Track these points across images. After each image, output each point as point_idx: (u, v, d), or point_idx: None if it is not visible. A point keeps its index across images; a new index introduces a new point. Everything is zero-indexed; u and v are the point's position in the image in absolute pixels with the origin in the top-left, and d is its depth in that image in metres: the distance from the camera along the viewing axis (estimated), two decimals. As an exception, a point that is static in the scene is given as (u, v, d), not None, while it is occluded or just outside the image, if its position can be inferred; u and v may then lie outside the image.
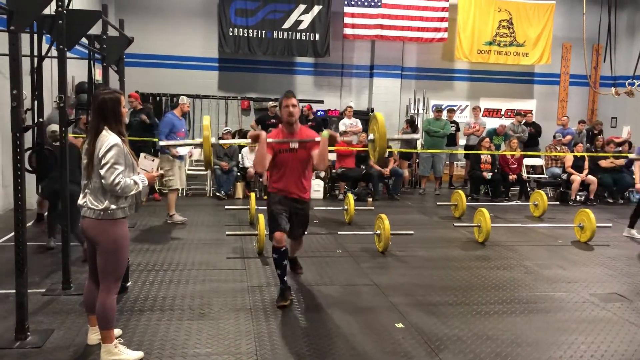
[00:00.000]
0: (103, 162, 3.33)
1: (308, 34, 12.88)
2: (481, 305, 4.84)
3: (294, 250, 5.35)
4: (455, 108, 12.87)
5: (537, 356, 3.86)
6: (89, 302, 3.67)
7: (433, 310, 4.69)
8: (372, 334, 4.14)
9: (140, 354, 3.61)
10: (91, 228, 3.45)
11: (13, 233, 3.82)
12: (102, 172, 3.32)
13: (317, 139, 4.69)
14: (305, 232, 5.19)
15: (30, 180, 5.13)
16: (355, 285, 5.28)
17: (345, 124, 11.58)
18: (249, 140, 5.54)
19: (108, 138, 3.38)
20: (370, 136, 4.69)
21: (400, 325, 4.32)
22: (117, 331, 3.80)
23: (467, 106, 14.07)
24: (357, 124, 11.66)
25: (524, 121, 12.29)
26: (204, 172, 10.86)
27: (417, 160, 11.81)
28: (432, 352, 3.86)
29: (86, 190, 3.46)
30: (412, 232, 7.05)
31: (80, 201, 3.50)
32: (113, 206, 3.40)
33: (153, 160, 3.80)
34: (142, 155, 3.78)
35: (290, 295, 4.77)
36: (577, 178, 10.53)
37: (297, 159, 4.71)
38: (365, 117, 13.25)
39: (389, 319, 4.45)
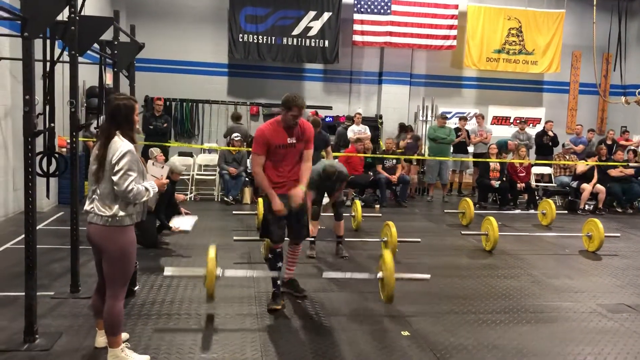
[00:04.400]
0: (117, 168, 3.30)
1: (317, 40, 12.93)
2: (487, 314, 4.83)
3: (292, 258, 5.17)
4: (466, 116, 12.82)
5: (543, 366, 3.86)
6: (96, 306, 3.69)
7: (439, 318, 4.68)
8: (377, 342, 4.15)
9: (147, 357, 3.64)
10: (98, 235, 3.42)
11: (23, 236, 3.86)
12: (116, 178, 3.30)
13: (302, 187, 4.68)
14: (308, 234, 5.17)
15: (41, 183, 5.18)
16: (361, 293, 5.28)
17: (353, 130, 11.65)
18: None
19: (121, 144, 3.36)
20: (379, 274, 4.75)
21: (406, 333, 4.32)
22: (124, 335, 3.82)
23: (475, 113, 14.05)
24: (365, 130, 11.72)
25: (526, 128, 12.34)
26: (212, 177, 10.91)
27: (424, 168, 11.80)
28: (438, 360, 3.86)
29: (93, 196, 3.43)
30: (419, 239, 7.05)
31: (86, 207, 3.48)
32: (122, 213, 3.38)
33: (162, 167, 3.82)
34: (149, 162, 3.80)
35: (282, 300, 4.83)
36: (587, 187, 10.46)
37: (295, 151, 4.74)
38: (374, 124, 13.31)
39: (395, 326, 4.46)
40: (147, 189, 3.44)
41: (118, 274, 3.46)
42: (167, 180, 3.89)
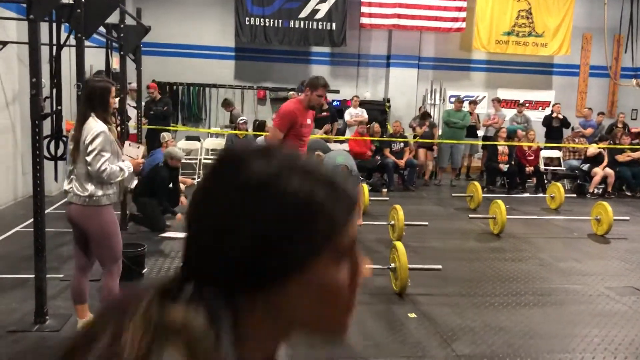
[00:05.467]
0: (90, 149, 3.36)
1: (325, 23, 12.80)
2: (495, 296, 4.83)
3: None
4: (476, 100, 12.71)
5: (550, 348, 3.86)
6: (79, 289, 3.71)
7: (446, 301, 4.69)
8: (384, 324, 4.16)
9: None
10: (77, 214, 3.50)
11: (32, 219, 3.88)
12: (89, 159, 3.36)
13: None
14: None
15: (49, 167, 5.20)
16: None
17: (350, 113, 11.72)
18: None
19: (95, 125, 3.42)
20: (392, 265, 4.77)
21: (413, 315, 4.33)
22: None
23: (484, 97, 13.93)
24: (362, 113, 11.74)
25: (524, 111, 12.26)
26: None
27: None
28: (445, 342, 3.87)
29: (72, 176, 3.50)
30: (426, 223, 7.02)
31: (66, 187, 3.55)
32: (99, 192, 3.45)
33: (138, 147, 3.86)
34: (126, 142, 3.85)
35: None
36: (599, 171, 10.38)
37: (310, 132, 5.19)
38: (381, 107, 13.23)
39: (402, 309, 4.47)
40: (121, 169, 3.51)
41: (106, 252, 3.55)
42: (143, 161, 3.96)
